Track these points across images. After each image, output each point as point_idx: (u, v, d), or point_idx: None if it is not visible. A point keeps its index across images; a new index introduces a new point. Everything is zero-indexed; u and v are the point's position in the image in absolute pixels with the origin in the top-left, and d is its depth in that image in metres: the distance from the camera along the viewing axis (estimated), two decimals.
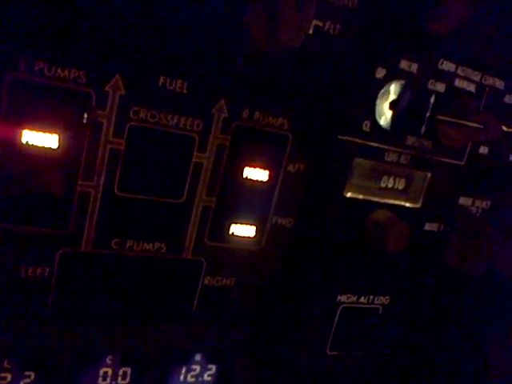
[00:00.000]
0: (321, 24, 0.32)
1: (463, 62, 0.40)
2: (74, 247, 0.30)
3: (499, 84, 0.42)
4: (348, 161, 0.37)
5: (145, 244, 0.32)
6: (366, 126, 0.37)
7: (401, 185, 0.41)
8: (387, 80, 0.37)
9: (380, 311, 0.44)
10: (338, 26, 0.33)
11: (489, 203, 0.46)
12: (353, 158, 0.37)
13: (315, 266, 0.39)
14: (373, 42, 0.35)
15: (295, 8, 0.28)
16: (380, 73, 0.36)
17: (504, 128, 0.43)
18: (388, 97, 0.38)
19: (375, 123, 0.38)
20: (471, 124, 0.38)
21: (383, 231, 0.38)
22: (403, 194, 0.42)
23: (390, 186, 0.41)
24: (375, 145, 0.38)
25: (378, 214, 0.39)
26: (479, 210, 0.46)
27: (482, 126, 0.38)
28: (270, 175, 0.34)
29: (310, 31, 0.32)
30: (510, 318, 0.51)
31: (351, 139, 0.37)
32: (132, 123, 0.29)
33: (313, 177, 0.37)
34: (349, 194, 0.39)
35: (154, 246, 0.32)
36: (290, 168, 0.35)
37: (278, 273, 0.37)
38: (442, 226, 0.44)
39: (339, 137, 0.36)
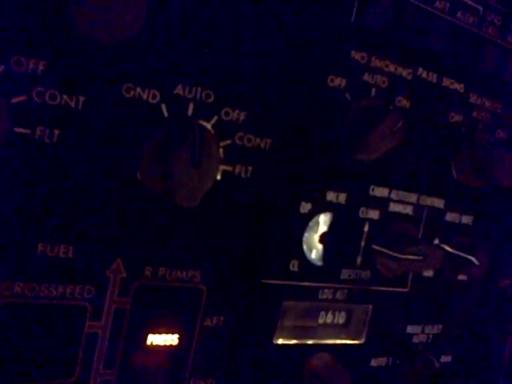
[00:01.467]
0: (230, 169, 0.29)
1: (396, 185, 0.37)
2: None
3: (438, 203, 0.40)
4: (276, 305, 0.33)
5: None
6: (294, 266, 0.33)
7: (341, 319, 0.37)
8: (313, 214, 0.34)
9: None
10: (249, 169, 0.29)
11: (440, 327, 0.42)
12: (281, 302, 0.33)
13: None
14: (293, 179, 0.32)
15: (190, 162, 0.24)
16: (304, 208, 0.33)
17: (448, 248, 0.40)
18: (317, 229, 0.35)
19: (304, 261, 0.34)
20: (412, 257, 0.35)
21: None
22: (344, 329, 0.37)
23: (328, 321, 0.37)
24: (306, 284, 0.34)
25: (315, 361, 0.35)
26: (430, 337, 0.42)
27: (421, 258, 0.35)
28: (181, 336, 0.30)
29: (218, 177, 0.28)
30: None
31: (278, 282, 0.33)
32: (4, 300, 0.25)
33: (237, 329, 0.32)
34: (280, 341, 0.34)
35: None
36: (208, 323, 0.31)
37: None
38: (390, 360, 0.40)
39: (263, 281, 0.32)
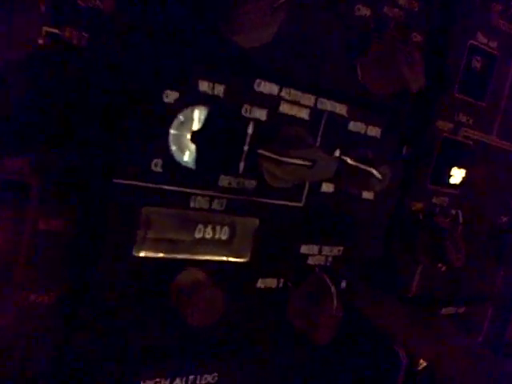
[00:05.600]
0: (57, 31, 0.23)
1: (289, 82, 0.32)
2: None
3: (340, 109, 0.35)
4: (133, 211, 0.28)
5: None
6: (157, 166, 0.29)
7: (224, 235, 0.33)
8: (182, 106, 0.29)
9: None
10: (85, 35, 0.24)
11: (341, 249, 0.38)
12: (140, 208, 0.29)
13: (96, 350, 0.29)
14: (150, 56, 0.26)
15: None
16: (170, 97, 0.28)
17: (348, 160, 0.36)
18: (191, 127, 0.30)
19: (171, 161, 0.29)
20: (297, 161, 0.30)
21: (186, 301, 0.29)
22: (226, 245, 0.33)
23: (207, 236, 0.32)
24: (173, 188, 0.30)
25: (184, 277, 0.31)
26: (329, 259, 0.38)
27: (309, 164, 0.30)
28: (6, 237, 0.25)
29: (41, 41, 0.23)
30: None
31: (135, 183, 0.28)
32: None
33: (84, 234, 0.27)
34: (142, 254, 0.30)
35: None
36: (42, 226, 0.26)
37: (46, 367, 0.28)
38: (281, 282, 0.36)
39: (115, 181, 0.27)
